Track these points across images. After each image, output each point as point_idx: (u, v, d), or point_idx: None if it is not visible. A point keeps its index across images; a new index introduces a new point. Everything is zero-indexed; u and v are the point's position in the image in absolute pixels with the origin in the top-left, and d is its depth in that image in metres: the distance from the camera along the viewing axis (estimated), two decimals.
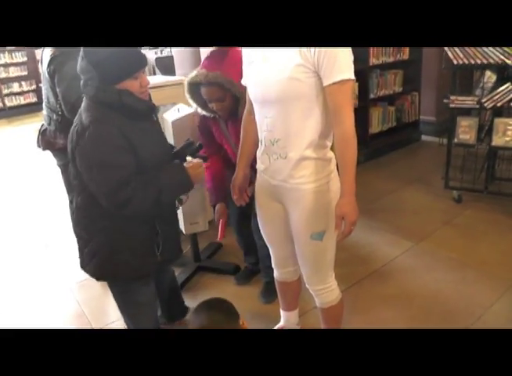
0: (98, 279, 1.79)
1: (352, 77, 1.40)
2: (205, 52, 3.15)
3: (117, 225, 1.63)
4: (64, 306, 2.55)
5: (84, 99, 1.59)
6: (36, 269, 3.02)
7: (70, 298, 2.61)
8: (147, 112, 1.63)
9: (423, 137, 4.89)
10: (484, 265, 2.59)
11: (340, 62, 1.37)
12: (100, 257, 1.67)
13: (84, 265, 1.73)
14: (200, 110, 2.08)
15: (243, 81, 1.67)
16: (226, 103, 1.93)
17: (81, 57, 1.51)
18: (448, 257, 2.69)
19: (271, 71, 1.46)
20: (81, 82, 1.56)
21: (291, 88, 1.43)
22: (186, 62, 3.36)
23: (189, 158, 1.71)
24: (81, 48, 1.51)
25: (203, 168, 1.73)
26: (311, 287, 1.75)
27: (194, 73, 1.94)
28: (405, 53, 4.35)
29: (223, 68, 1.87)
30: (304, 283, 1.80)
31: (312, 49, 1.36)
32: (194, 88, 1.98)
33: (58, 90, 2.27)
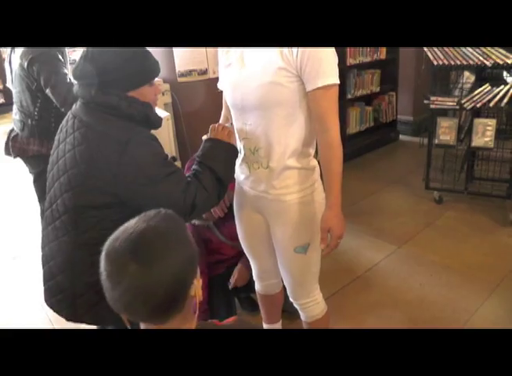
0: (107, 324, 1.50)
1: (337, 81, 1.32)
2: (178, 52, 3.04)
3: None
4: (35, 324, 2.40)
5: (83, 103, 1.39)
6: (3, 283, 2.85)
7: (41, 315, 2.45)
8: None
9: (401, 137, 4.88)
10: (467, 267, 2.57)
11: (324, 65, 1.28)
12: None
13: (80, 315, 1.40)
14: (193, 221, 2.00)
15: (219, 85, 1.57)
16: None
17: (87, 59, 1.32)
18: (432, 260, 2.66)
19: (251, 75, 1.37)
20: (78, 86, 1.36)
21: (273, 93, 1.34)
22: (160, 63, 3.24)
23: (203, 137, 1.54)
24: (86, 49, 1.34)
25: (225, 126, 1.54)
26: (295, 301, 1.67)
27: None
28: (382, 53, 4.32)
29: None
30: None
31: (295, 52, 1.28)
32: None
33: (47, 88, 2.18)
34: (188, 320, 0.92)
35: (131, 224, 0.89)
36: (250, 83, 1.36)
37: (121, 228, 0.90)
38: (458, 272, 2.53)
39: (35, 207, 2.65)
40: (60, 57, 2.21)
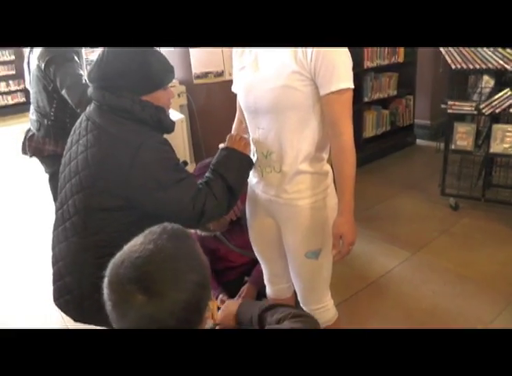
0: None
1: (351, 86, 1.30)
2: (195, 54, 3.05)
3: None
4: (47, 322, 2.42)
5: (96, 105, 1.38)
6: (17, 282, 2.89)
7: (54, 313, 2.46)
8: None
9: (418, 141, 4.82)
10: (482, 277, 2.52)
11: (338, 69, 1.27)
12: None
13: (87, 317, 1.41)
14: (199, 232, 2.00)
15: (233, 88, 1.57)
16: (222, 220, 1.85)
17: (102, 63, 1.33)
18: (446, 268, 2.62)
19: (264, 78, 1.36)
20: (92, 89, 1.37)
21: (286, 96, 1.33)
22: (176, 65, 3.26)
23: (220, 145, 1.54)
24: (101, 53, 1.35)
25: (242, 136, 1.53)
26: (306, 306, 1.65)
27: None
28: (400, 56, 4.27)
29: None
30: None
31: (309, 55, 1.27)
32: None
33: (62, 89, 2.21)
34: None
35: (136, 244, 0.81)
36: (264, 86, 1.36)
37: (125, 249, 0.82)
38: (473, 282, 2.48)
39: (51, 205, 2.69)
40: (76, 59, 2.24)
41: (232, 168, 1.44)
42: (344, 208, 1.36)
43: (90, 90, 1.39)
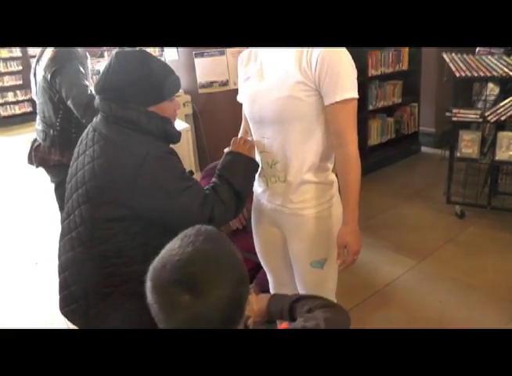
0: None
1: (356, 95, 1.31)
2: (200, 63, 3.07)
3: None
4: (53, 327, 2.44)
5: (103, 116, 1.39)
6: (25, 288, 2.91)
7: (59, 320, 2.49)
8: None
9: (423, 149, 4.81)
10: (489, 285, 2.50)
11: (343, 79, 1.28)
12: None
13: (93, 326, 1.39)
14: None
15: (239, 98, 1.58)
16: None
17: (108, 74, 1.34)
18: (452, 277, 2.60)
19: (269, 89, 1.37)
20: (99, 100, 1.38)
21: (290, 107, 1.34)
22: (181, 74, 3.29)
23: (225, 149, 1.54)
24: (108, 64, 1.36)
25: (247, 139, 1.53)
26: None
27: None
28: (404, 64, 4.28)
29: None
30: None
31: (313, 65, 1.28)
32: None
33: (68, 100, 2.23)
34: None
35: (175, 248, 0.84)
36: (268, 96, 1.37)
37: (163, 254, 0.85)
38: (479, 291, 2.46)
39: (57, 214, 2.71)
40: (82, 69, 2.26)
41: (238, 173, 1.45)
42: (349, 217, 1.36)
43: (97, 101, 1.40)
